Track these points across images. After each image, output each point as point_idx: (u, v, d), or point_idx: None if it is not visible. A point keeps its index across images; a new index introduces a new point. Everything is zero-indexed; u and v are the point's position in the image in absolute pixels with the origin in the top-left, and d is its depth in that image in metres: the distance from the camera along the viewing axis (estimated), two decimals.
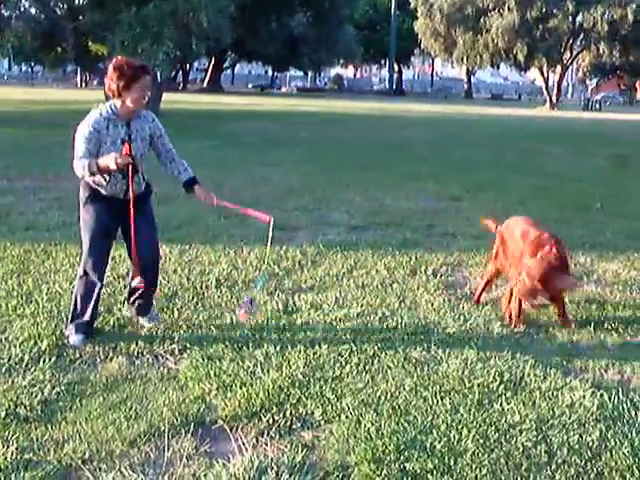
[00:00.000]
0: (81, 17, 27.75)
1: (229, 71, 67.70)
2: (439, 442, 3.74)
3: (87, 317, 5.00)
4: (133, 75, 4.69)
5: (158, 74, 27.63)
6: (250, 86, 68.43)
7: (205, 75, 61.11)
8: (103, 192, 4.89)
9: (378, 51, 70.00)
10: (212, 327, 5.29)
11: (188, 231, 8.21)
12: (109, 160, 4.60)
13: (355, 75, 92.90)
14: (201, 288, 6.19)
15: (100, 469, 3.45)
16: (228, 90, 56.22)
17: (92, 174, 4.72)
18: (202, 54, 37.38)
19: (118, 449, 3.62)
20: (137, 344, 4.91)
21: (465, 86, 73.12)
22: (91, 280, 4.96)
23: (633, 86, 76.83)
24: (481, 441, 3.78)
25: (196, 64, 64.10)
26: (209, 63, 59.45)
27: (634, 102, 71.00)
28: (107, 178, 4.83)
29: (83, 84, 61.27)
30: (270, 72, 71.62)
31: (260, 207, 9.68)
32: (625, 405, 4.25)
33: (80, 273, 5.00)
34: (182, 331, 5.19)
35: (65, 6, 29.27)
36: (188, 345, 4.94)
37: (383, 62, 78.20)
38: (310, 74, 72.41)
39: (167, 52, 23.36)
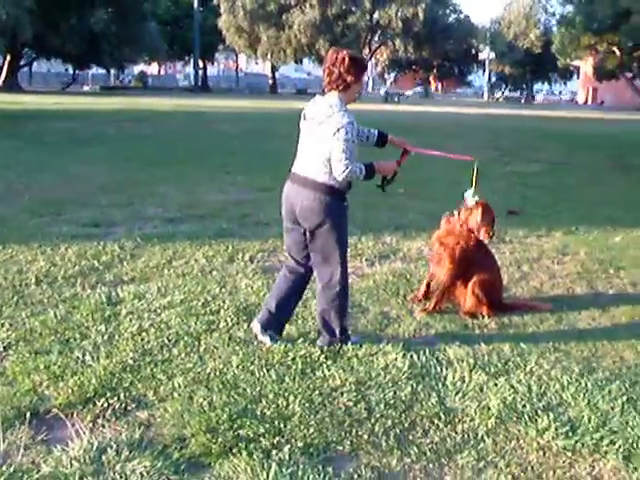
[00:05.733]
0: None
1: (26, 69, 64.59)
2: (268, 409, 4.02)
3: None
4: (365, 66, 4.62)
5: None
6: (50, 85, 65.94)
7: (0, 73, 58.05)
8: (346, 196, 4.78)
9: (182, 47, 69.50)
10: (36, 323, 5.26)
11: (0, 232, 7.99)
12: (390, 166, 4.82)
13: (159, 72, 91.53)
14: (20, 286, 6.11)
15: None
16: (27, 89, 53.78)
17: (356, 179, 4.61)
18: (2, 49, 35.38)
19: None
20: None
21: (270, 82, 74.01)
22: (347, 289, 4.93)
23: (427, 80, 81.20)
24: (307, 405, 4.09)
25: None
26: (4, 60, 56.52)
27: (429, 95, 74.99)
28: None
29: None
30: (71, 70, 69.16)
31: (74, 205, 9.74)
32: (432, 363, 4.74)
33: (338, 284, 4.80)
34: (5, 329, 5.13)
35: None
36: (13, 342, 4.91)
37: (187, 58, 77.74)
38: (113, 72, 70.59)
39: None
